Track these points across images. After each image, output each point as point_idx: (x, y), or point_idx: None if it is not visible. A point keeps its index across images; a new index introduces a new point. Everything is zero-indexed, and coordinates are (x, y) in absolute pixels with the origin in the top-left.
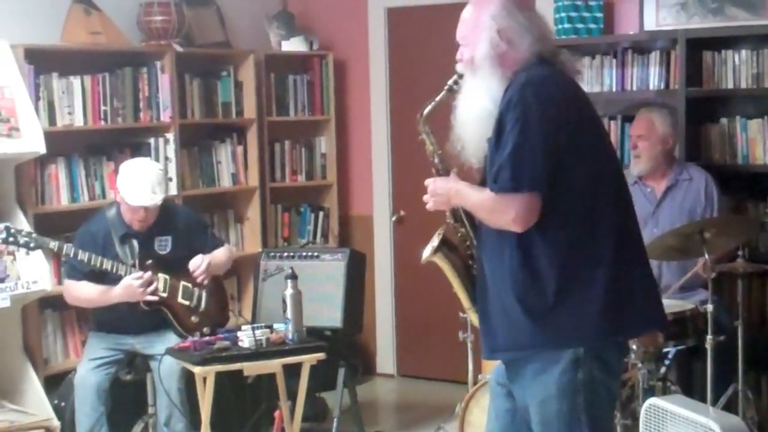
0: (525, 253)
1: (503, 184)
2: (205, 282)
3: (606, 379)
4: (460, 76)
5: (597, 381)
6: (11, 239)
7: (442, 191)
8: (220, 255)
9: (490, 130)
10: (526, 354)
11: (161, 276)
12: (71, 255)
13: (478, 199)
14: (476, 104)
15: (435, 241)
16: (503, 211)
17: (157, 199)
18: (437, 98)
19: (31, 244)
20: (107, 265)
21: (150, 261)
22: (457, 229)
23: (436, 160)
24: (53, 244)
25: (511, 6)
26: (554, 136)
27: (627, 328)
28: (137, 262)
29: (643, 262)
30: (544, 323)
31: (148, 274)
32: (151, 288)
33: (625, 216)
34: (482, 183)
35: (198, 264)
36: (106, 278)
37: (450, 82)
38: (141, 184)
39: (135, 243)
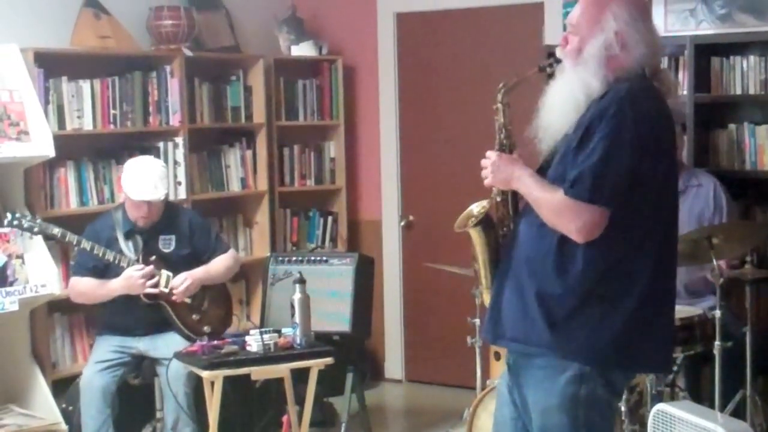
0: (564, 257)
1: (581, 193)
2: (183, 299)
3: (610, 398)
4: (557, 61)
5: (600, 398)
6: (15, 222)
7: (505, 170)
8: (219, 265)
9: (572, 122)
10: (530, 351)
11: (164, 272)
12: (74, 243)
13: (545, 197)
14: (569, 96)
15: (474, 210)
16: (571, 218)
17: (159, 194)
18: (526, 74)
19: (35, 228)
20: (110, 255)
21: (153, 257)
22: (499, 209)
23: (503, 135)
24: (56, 231)
25: (636, 12)
26: (639, 159)
27: (634, 364)
28: (141, 257)
29: (671, 301)
30: (556, 329)
31: (150, 267)
32: (152, 281)
33: (670, 252)
34: (540, 170)
35: (179, 283)
36: (109, 273)
37: (545, 62)
38: (143, 179)
39: (139, 239)
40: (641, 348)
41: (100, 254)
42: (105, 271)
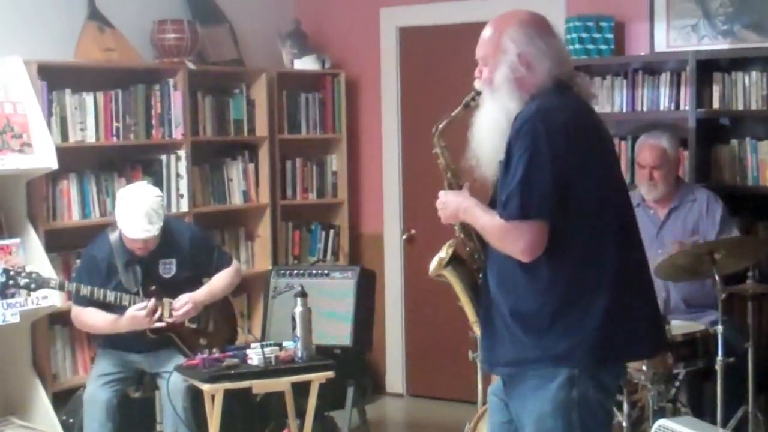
0: (529, 273)
1: (512, 212)
2: (186, 324)
3: (601, 398)
4: (478, 93)
5: (592, 399)
6: (11, 282)
7: (452, 205)
8: (221, 282)
9: (503, 149)
10: (523, 370)
11: (166, 301)
12: (73, 291)
13: (487, 224)
14: (493, 123)
15: (443, 254)
16: (512, 241)
17: (153, 231)
18: (453, 114)
19: (32, 285)
20: (110, 297)
21: (154, 287)
22: (466, 243)
23: (449, 175)
24: (54, 282)
25: (531, 30)
26: (562, 164)
27: (622, 354)
28: (141, 288)
29: (647, 288)
30: (542, 341)
31: (152, 302)
32: (157, 315)
33: (630, 242)
34: (494, 199)
35: (181, 305)
36: (112, 306)
37: (467, 98)
38: (137, 216)
39: (138, 269)
40: (625, 339)
41: (101, 297)
42: (106, 304)
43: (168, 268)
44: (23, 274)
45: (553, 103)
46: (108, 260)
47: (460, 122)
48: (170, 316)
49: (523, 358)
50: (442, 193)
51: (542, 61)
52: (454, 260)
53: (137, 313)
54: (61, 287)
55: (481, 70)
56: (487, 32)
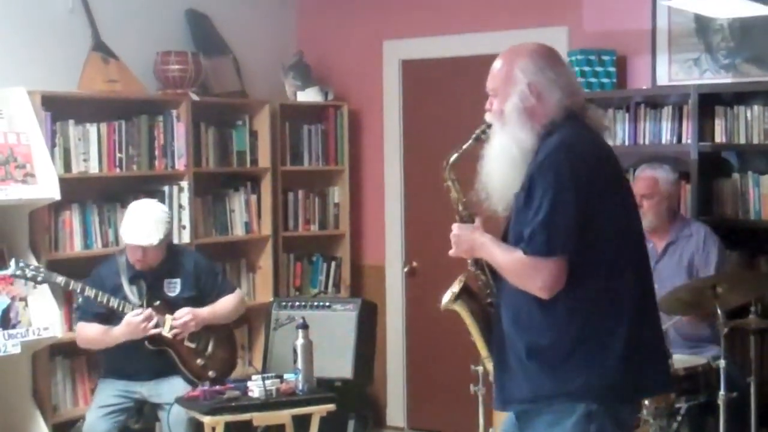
0: (545, 307)
1: (538, 248)
2: (182, 336)
3: None
4: (489, 126)
5: None
6: (19, 272)
7: (466, 240)
8: (225, 305)
9: (516, 181)
10: (539, 406)
11: (168, 317)
12: (78, 291)
13: (505, 260)
14: (503, 154)
15: (455, 288)
16: (532, 276)
17: (151, 240)
18: (464, 147)
19: (39, 278)
20: (113, 303)
21: (158, 302)
22: (478, 277)
23: (461, 208)
24: (60, 279)
25: (541, 61)
26: (585, 199)
27: (642, 389)
28: (145, 302)
29: (657, 321)
30: (558, 376)
31: (149, 310)
32: (153, 322)
33: (645, 274)
34: (506, 233)
35: (181, 315)
36: (115, 319)
37: (478, 131)
38: (138, 223)
39: (143, 284)
40: (642, 374)
41: (104, 302)
42: (110, 316)
43: (173, 288)
44: (32, 266)
45: (574, 136)
46: (114, 277)
47: (469, 155)
48: (170, 330)
49: (538, 393)
50: (455, 227)
51: (552, 92)
52: (465, 293)
53: (133, 319)
54: (66, 285)
55: (491, 102)
56: (497, 64)
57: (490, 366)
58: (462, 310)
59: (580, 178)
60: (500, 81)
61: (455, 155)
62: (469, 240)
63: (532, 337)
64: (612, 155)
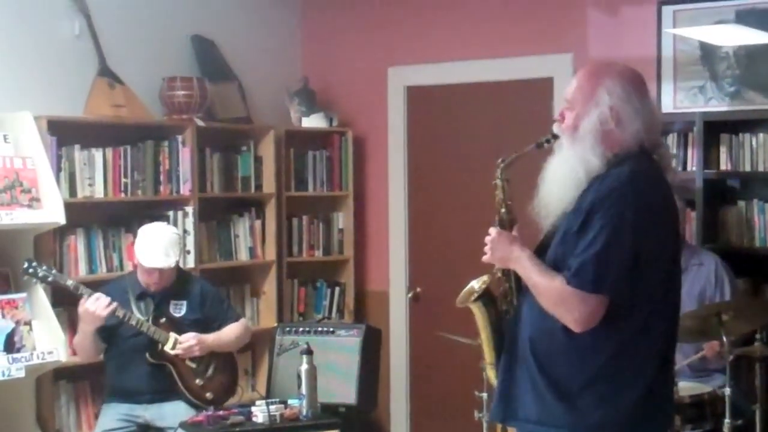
0: (571, 338)
1: (585, 283)
2: (181, 355)
3: None
4: (554, 137)
5: None
6: (30, 270)
7: (503, 250)
8: (229, 333)
9: (573, 201)
10: (544, 430)
11: (172, 335)
12: (86, 295)
13: (544, 283)
14: (569, 172)
15: (476, 285)
16: (571, 308)
17: (170, 261)
18: (524, 150)
19: (49, 278)
20: (120, 312)
21: (163, 319)
22: (501, 283)
23: (503, 210)
24: (70, 282)
25: (630, 86)
26: (642, 241)
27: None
28: (151, 318)
29: (673, 369)
30: (572, 407)
31: (103, 296)
32: (112, 306)
33: (675, 323)
34: (542, 247)
35: (186, 339)
36: (116, 336)
37: (542, 138)
38: (155, 246)
39: (150, 302)
40: (655, 420)
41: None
42: (113, 331)
43: (178, 309)
44: (44, 267)
45: (645, 172)
46: (122, 294)
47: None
48: (173, 348)
49: (545, 419)
50: (494, 231)
51: (634, 121)
52: (486, 296)
53: (88, 305)
54: (75, 289)
55: (563, 114)
56: (582, 76)
57: (492, 373)
58: (478, 312)
59: (641, 220)
60: (581, 95)
61: (513, 156)
62: (506, 250)
63: (551, 361)
64: (672, 200)
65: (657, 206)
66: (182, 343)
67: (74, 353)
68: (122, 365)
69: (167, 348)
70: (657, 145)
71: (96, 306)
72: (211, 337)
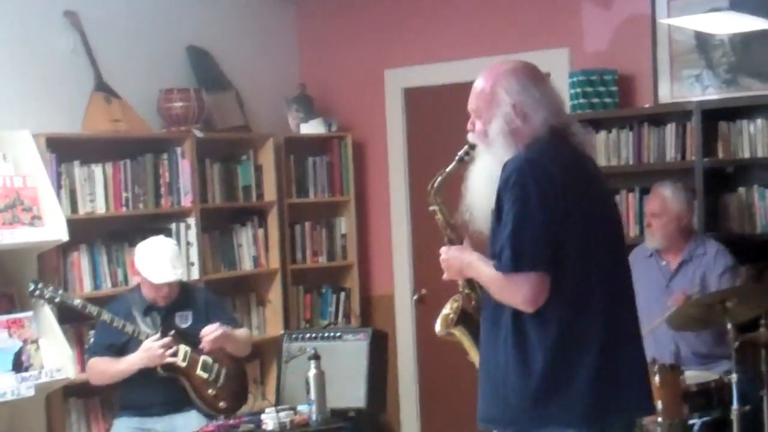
0: (517, 331)
1: (507, 265)
2: (207, 348)
3: None
4: (472, 147)
5: None
6: (37, 293)
7: (455, 261)
8: (241, 334)
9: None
10: (507, 429)
11: (182, 347)
12: (94, 314)
13: (489, 276)
14: (488, 175)
15: (448, 310)
16: (512, 292)
17: (178, 274)
18: (447, 169)
19: (56, 299)
20: (129, 328)
21: (172, 331)
22: (471, 297)
23: (449, 231)
24: (78, 302)
25: (525, 80)
26: (552, 214)
27: (613, 414)
28: (160, 331)
29: (636, 343)
30: (529, 402)
31: (168, 338)
32: (171, 351)
33: (619, 296)
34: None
35: (211, 330)
36: (127, 351)
37: (461, 152)
38: (160, 261)
39: (157, 316)
40: (614, 398)
41: (120, 327)
42: (122, 349)
43: (185, 319)
44: (50, 288)
45: (542, 153)
46: (126, 311)
47: (457, 176)
48: (184, 360)
49: (505, 417)
50: (443, 251)
51: (538, 111)
52: (463, 317)
53: (153, 344)
54: (83, 308)
55: (473, 122)
56: (479, 84)
57: None
58: (460, 334)
59: (545, 194)
60: (483, 102)
61: (439, 178)
62: (458, 260)
63: (506, 364)
64: (587, 173)
65: (560, 178)
66: (209, 335)
67: (91, 377)
68: (134, 380)
69: (179, 361)
70: (567, 124)
71: (163, 350)
72: (228, 329)
